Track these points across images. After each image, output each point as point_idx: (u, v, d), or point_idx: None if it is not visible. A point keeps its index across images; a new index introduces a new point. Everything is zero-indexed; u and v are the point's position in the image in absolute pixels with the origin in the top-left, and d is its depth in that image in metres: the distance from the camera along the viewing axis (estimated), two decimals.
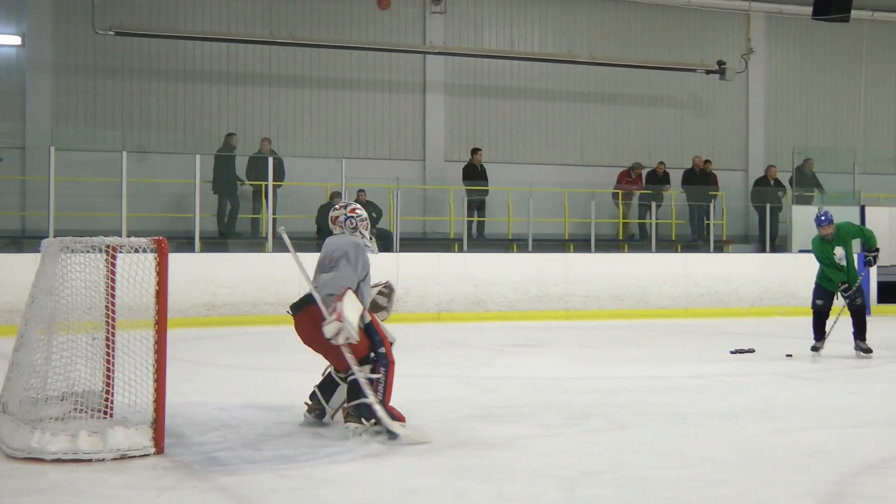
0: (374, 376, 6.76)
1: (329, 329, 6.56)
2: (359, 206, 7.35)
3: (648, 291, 18.06)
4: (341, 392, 7.08)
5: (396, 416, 6.75)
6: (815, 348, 11.76)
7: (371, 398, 6.63)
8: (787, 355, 11.70)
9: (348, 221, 7.20)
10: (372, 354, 6.83)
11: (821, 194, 21.03)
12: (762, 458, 6.18)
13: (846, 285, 11.56)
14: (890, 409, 8.24)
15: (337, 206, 7.29)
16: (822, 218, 11.62)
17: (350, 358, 6.68)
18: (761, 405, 8.28)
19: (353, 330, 6.60)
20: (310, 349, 7.09)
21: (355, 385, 6.72)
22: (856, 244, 12.19)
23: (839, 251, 11.44)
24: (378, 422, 6.62)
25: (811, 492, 5.36)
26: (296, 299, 7.14)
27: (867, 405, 8.44)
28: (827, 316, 11.75)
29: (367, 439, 6.58)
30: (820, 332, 11.75)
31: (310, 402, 7.21)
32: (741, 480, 5.61)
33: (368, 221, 7.32)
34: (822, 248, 11.61)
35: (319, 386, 7.24)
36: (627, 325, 16.31)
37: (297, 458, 6.16)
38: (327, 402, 7.16)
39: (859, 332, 11.61)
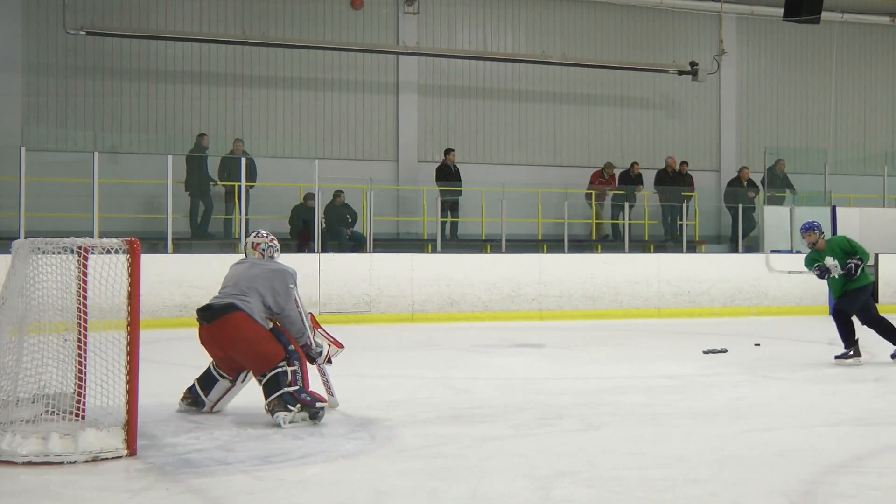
0: (291, 368, 7.21)
1: (324, 354, 7.73)
2: (272, 234, 7.98)
3: (621, 292, 18.12)
4: (219, 389, 7.68)
5: (317, 398, 7.30)
6: (841, 356, 11.21)
7: (291, 387, 7.16)
8: (756, 345, 11.76)
9: (269, 249, 7.79)
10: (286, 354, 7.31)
11: (792, 195, 21.16)
12: (735, 457, 6.21)
13: (820, 265, 11.23)
14: (860, 408, 8.29)
15: (258, 233, 7.86)
16: (803, 225, 11.37)
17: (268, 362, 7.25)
18: (733, 405, 8.32)
19: (340, 351, 7.98)
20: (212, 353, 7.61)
21: (273, 380, 7.18)
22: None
23: (829, 261, 11.08)
24: (302, 405, 7.16)
25: (783, 491, 5.39)
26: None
27: (838, 404, 8.49)
28: (850, 322, 11.22)
29: (298, 423, 7.12)
30: (848, 340, 11.21)
31: (186, 394, 7.77)
32: (714, 480, 5.63)
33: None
34: (813, 258, 11.33)
35: (199, 380, 7.76)
36: (600, 326, 16.35)
37: (270, 459, 6.15)
38: (206, 395, 7.70)
39: (889, 338, 11.14)
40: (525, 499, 5.26)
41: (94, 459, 5.95)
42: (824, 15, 21.32)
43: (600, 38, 22.60)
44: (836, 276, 11.14)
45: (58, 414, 6.38)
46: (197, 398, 7.68)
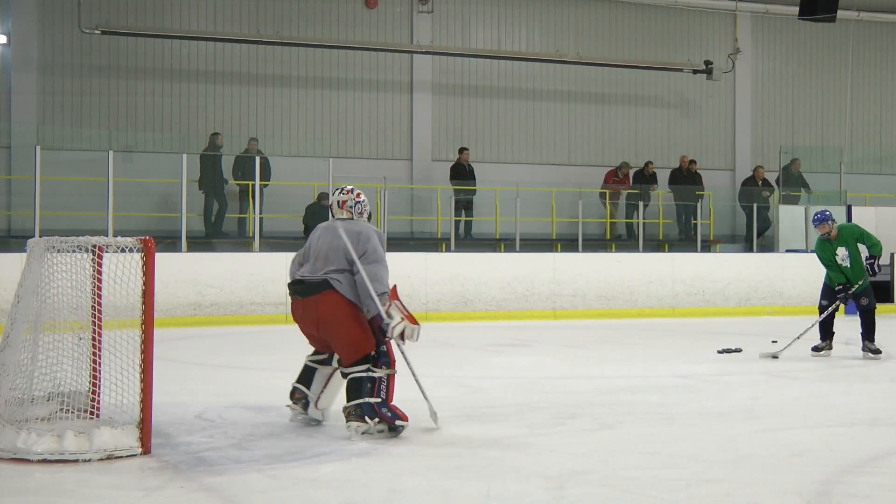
0: (377, 375, 6.74)
1: (398, 329, 6.71)
2: (362, 191, 7.27)
3: (635, 291, 18.07)
4: (320, 377, 7.13)
5: (399, 415, 6.75)
6: (816, 348, 11.59)
7: (373, 397, 6.66)
8: (773, 341, 11.79)
9: (357, 206, 7.17)
10: (373, 353, 6.80)
11: (807, 194, 21.11)
12: (749, 457, 6.19)
13: (840, 287, 11.38)
14: (876, 409, 8.26)
15: (343, 190, 7.21)
16: (816, 216, 11.50)
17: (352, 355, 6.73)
18: (748, 405, 8.30)
19: (416, 329, 6.80)
20: (305, 338, 7.14)
21: (355, 383, 6.72)
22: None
23: (841, 251, 11.29)
24: (381, 420, 6.66)
25: (798, 491, 5.38)
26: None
27: (853, 404, 8.45)
28: (833, 316, 11.53)
29: (372, 436, 6.63)
30: (825, 333, 11.57)
31: (291, 402, 7.19)
32: (728, 480, 5.62)
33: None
34: (823, 247, 11.46)
35: (298, 380, 7.21)
36: (614, 325, 16.32)
37: (284, 457, 6.15)
38: (309, 389, 7.14)
39: (867, 332, 11.40)
40: (538, 498, 5.26)
41: (109, 457, 5.96)
42: (840, 13, 21.32)
43: (615, 36, 22.56)
44: (847, 266, 11.35)
45: (72, 412, 6.40)
46: (304, 396, 7.13)
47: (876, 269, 11.37)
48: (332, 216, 7.23)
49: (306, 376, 7.20)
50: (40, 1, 18.93)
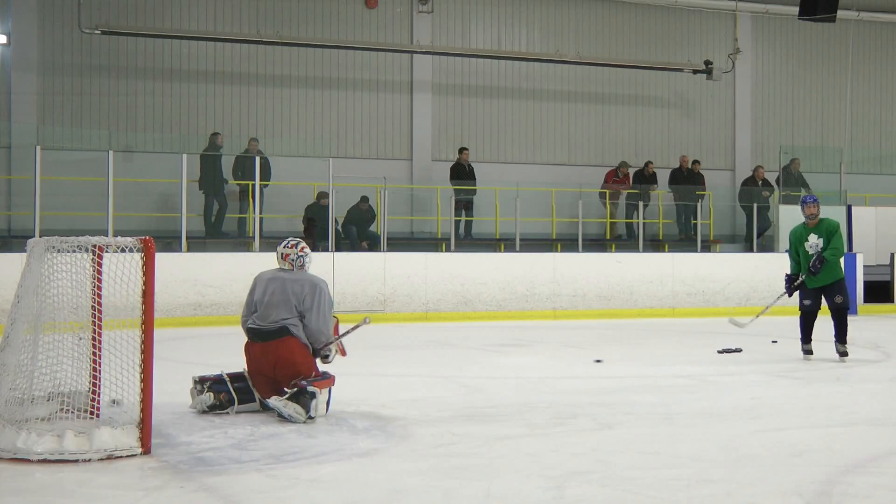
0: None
1: (332, 359, 7.84)
2: (305, 244, 7.96)
3: (635, 291, 18.08)
4: (252, 406, 7.68)
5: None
6: (807, 351, 11.35)
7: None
8: (773, 342, 11.76)
9: (299, 259, 7.84)
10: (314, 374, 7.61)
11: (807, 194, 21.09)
12: (749, 457, 6.19)
13: (794, 278, 11.32)
14: (876, 409, 8.26)
15: (288, 244, 7.86)
16: (808, 197, 11.39)
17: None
18: (748, 404, 8.30)
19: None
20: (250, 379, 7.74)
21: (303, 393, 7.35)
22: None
23: (813, 239, 11.14)
24: (298, 391, 7.28)
25: (798, 491, 5.37)
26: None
27: (854, 404, 8.46)
28: (815, 316, 11.30)
29: (291, 413, 7.21)
30: (807, 334, 11.34)
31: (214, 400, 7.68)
32: (728, 480, 5.62)
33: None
34: (799, 231, 11.34)
35: (238, 390, 7.70)
36: (614, 325, 16.32)
37: (284, 458, 6.15)
38: (238, 404, 7.64)
39: (838, 332, 11.18)
40: (538, 498, 5.25)
41: (109, 457, 5.96)
42: (840, 13, 21.33)
43: (615, 36, 22.57)
44: (811, 256, 11.12)
45: (73, 412, 6.40)
46: (228, 404, 7.62)
47: (812, 268, 11.00)
48: (278, 264, 7.89)
49: (246, 394, 7.69)
50: (40, 1, 18.94)
